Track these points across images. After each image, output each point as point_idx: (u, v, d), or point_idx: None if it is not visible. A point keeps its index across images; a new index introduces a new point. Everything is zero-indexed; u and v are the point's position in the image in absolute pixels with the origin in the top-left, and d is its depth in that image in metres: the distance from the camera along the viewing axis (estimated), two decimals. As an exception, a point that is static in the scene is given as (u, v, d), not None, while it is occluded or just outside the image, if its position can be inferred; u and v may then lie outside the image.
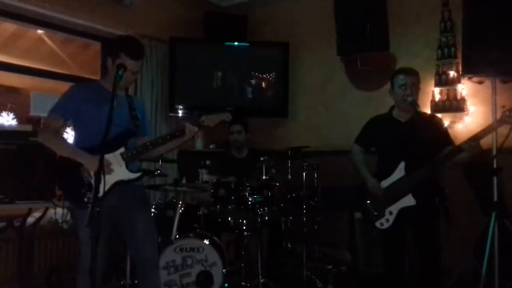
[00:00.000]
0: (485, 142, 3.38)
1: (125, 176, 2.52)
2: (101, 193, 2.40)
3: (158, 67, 5.26)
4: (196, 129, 2.62)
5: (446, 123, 4.23)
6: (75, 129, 2.66)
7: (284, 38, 5.51)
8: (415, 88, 2.97)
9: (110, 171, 2.46)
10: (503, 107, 2.82)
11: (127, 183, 2.53)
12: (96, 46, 5.03)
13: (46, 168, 3.41)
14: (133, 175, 2.55)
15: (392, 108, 3.13)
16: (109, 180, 2.45)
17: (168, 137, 2.63)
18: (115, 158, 2.50)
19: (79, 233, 2.49)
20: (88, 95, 2.56)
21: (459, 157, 2.81)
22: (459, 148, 2.77)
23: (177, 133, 2.61)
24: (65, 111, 2.56)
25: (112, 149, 2.50)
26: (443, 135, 2.99)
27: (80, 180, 2.45)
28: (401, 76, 2.97)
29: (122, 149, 2.53)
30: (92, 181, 2.41)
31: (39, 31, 4.81)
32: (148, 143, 2.59)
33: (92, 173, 2.42)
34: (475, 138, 2.72)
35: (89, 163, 2.41)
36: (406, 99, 2.90)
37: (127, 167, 2.53)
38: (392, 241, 3.03)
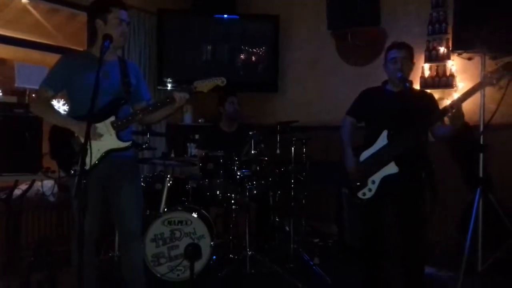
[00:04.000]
0: (472, 119, 3.42)
1: (115, 144, 2.51)
2: (90, 164, 2.39)
3: (145, 39, 5.18)
4: (187, 95, 2.57)
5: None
6: (69, 98, 2.64)
7: (274, 11, 5.44)
8: (406, 62, 2.93)
9: (99, 138, 2.45)
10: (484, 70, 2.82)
11: (117, 152, 2.51)
12: (82, 16, 4.91)
13: (32, 140, 3.38)
14: (123, 144, 2.53)
15: (385, 82, 3.11)
16: (100, 149, 2.46)
17: (158, 104, 2.60)
18: (105, 127, 2.49)
19: (72, 202, 2.50)
20: (79, 64, 2.53)
21: (443, 129, 2.79)
22: (444, 110, 2.71)
23: (168, 100, 2.56)
24: (54, 82, 2.55)
25: (102, 118, 2.49)
26: (434, 109, 2.95)
27: (72, 150, 2.45)
28: (392, 50, 2.96)
29: (112, 118, 2.51)
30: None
31: (24, 1, 4.69)
32: (138, 111, 2.58)
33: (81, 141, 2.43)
34: (458, 100, 2.70)
35: (80, 131, 2.42)
36: (396, 74, 2.88)
37: (117, 136, 2.51)
38: (374, 212, 2.94)
